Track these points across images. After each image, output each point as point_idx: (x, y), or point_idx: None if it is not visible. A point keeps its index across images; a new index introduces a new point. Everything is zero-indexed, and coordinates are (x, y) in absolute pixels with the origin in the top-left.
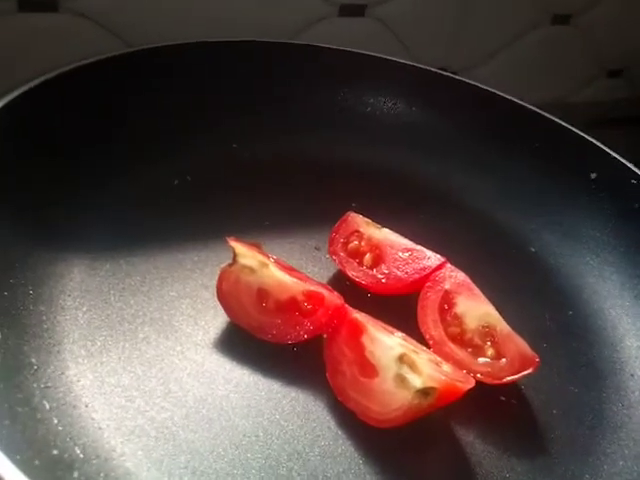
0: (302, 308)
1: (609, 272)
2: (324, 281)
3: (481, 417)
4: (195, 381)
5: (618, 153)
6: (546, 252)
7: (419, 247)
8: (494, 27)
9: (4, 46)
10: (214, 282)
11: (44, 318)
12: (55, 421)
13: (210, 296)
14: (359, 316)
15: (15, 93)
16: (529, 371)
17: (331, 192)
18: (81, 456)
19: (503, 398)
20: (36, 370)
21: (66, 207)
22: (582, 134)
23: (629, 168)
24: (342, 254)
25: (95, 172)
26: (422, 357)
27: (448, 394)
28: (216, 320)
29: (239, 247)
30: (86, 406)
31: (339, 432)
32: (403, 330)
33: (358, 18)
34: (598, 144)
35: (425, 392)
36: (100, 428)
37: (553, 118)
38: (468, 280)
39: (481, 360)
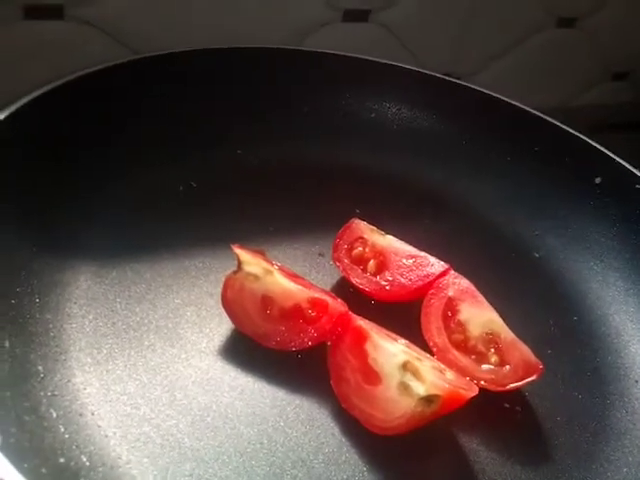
0: (306, 315)
1: (614, 278)
2: (328, 287)
3: (485, 424)
4: (200, 389)
5: (622, 157)
6: (550, 258)
7: (423, 254)
8: (498, 31)
9: (10, 53)
10: (219, 289)
11: (50, 326)
12: (62, 429)
13: (215, 303)
14: (363, 323)
15: (22, 101)
16: (533, 378)
17: (335, 198)
18: (87, 464)
19: (507, 405)
20: (43, 378)
21: (72, 215)
22: (586, 139)
23: (634, 173)
24: (346, 261)
25: (98, 178)
26: (426, 364)
27: (452, 401)
28: (221, 327)
29: (244, 254)
30: (92, 414)
31: (343, 439)
32: (407, 337)
33: (362, 23)
34: (602, 149)
35: (429, 399)
36: (106, 436)
37: (557, 123)
38: (472, 287)
39: (485, 367)
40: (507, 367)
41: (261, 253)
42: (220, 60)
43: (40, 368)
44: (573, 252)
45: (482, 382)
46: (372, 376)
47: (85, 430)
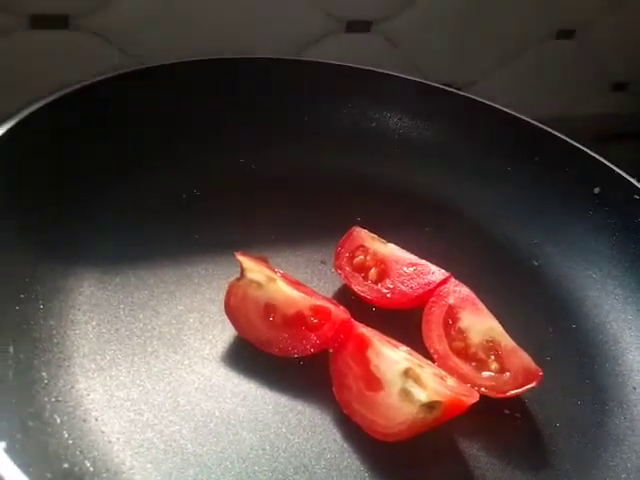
0: (309, 322)
1: (612, 286)
2: (330, 295)
3: (485, 430)
4: (203, 395)
5: (622, 168)
6: (549, 266)
7: (424, 262)
8: (499, 42)
9: (16, 63)
10: (222, 296)
11: (54, 332)
12: (65, 435)
13: (218, 310)
14: (365, 330)
15: (27, 110)
16: (532, 385)
17: (336, 206)
18: (91, 469)
19: (507, 411)
20: (46, 384)
21: (75, 222)
22: (586, 149)
23: (632, 183)
24: (347, 268)
25: (102, 186)
26: (427, 371)
27: (453, 408)
28: (224, 334)
29: (247, 262)
30: (96, 420)
31: (345, 446)
32: (408, 344)
33: (364, 34)
34: (602, 159)
35: (430, 406)
36: (110, 441)
37: (557, 133)
38: (472, 295)
39: (485, 374)
40: (507, 374)
41: (264, 260)
42: (223, 70)
43: (44, 374)
44: (572, 261)
45: (482, 389)
46: (374, 383)
47: (89, 436)
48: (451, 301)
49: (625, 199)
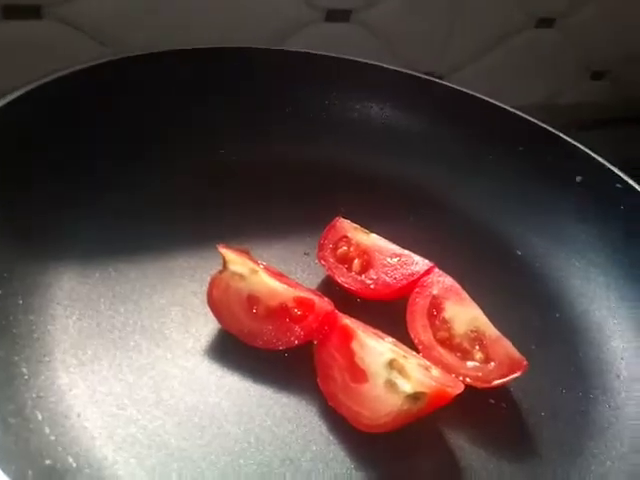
0: (292, 314)
1: (595, 274)
2: (314, 286)
3: (471, 420)
4: (186, 388)
5: (603, 155)
6: (532, 255)
7: (407, 252)
8: (479, 31)
9: None
10: (204, 289)
11: (34, 328)
12: (47, 431)
13: (200, 303)
14: (349, 322)
15: (2, 102)
16: (517, 374)
17: (319, 197)
18: (74, 465)
19: (492, 401)
20: (27, 380)
21: (53, 216)
22: (567, 138)
23: (614, 172)
24: (331, 260)
25: (82, 180)
26: (411, 362)
27: (438, 399)
28: (207, 327)
29: (229, 254)
30: (78, 415)
31: (330, 437)
32: (393, 335)
33: (343, 23)
34: (583, 148)
35: (415, 397)
36: (92, 437)
37: (538, 122)
38: (456, 285)
39: (470, 364)
40: (492, 364)
41: (246, 252)
42: (202, 60)
43: (24, 370)
44: (555, 249)
45: (467, 379)
46: (359, 374)
47: (71, 432)
48: (435, 291)
49: (607, 187)
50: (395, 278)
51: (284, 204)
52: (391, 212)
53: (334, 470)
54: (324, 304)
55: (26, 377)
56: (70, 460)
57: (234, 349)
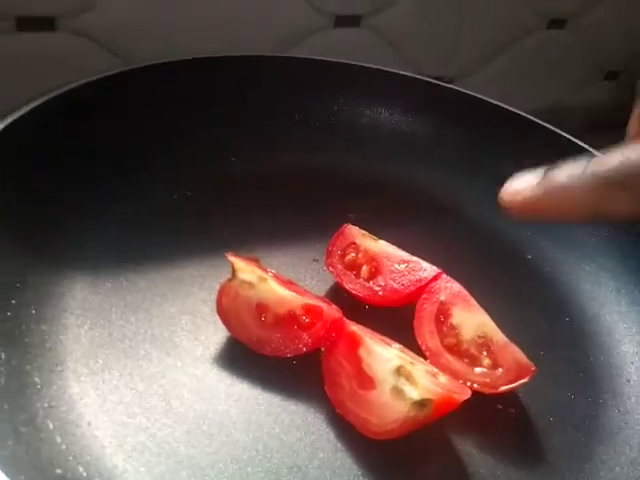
0: (301, 322)
1: (605, 278)
2: (322, 293)
3: (479, 426)
4: (196, 396)
5: None
6: (542, 259)
7: (415, 258)
8: (489, 34)
9: (3, 66)
10: (214, 297)
11: (47, 337)
12: (58, 440)
13: (210, 311)
14: (357, 329)
15: (15, 115)
16: (525, 380)
17: (328, 203)
18: (84, 474)
19: (500, 407)
20: (39, 389)
21: (66, 226)
22: (576, 141)
23: None
24: (339, 266)
25: (94, 189)
26: (419, 369)
27: (444, 405)
28: (216, 335)
29: (238, 262)
30: (89, 424)
31: (338, 445)
32: (401, 341)
33: (353, 29)
34: (592, 150)
35: (422, 404)
36: (103, 446)
37: (548, 125)
38: (464, 291)
39: (478, 370)
40: (500, 370)
41: (255, 260)
42: (212, 69)
43: (37, 379)
44: (565, 253)
45: (475, 385)
46: (366, 381)
47: (82, 441)
48: (442, 297)
49: None
50: (403, 284)
51: (293, 211)
52: (400, 218)
53: (342, 477)
54: (332, 311)
55: (38, 386)
56: (80, 469)
57: (243, 357)
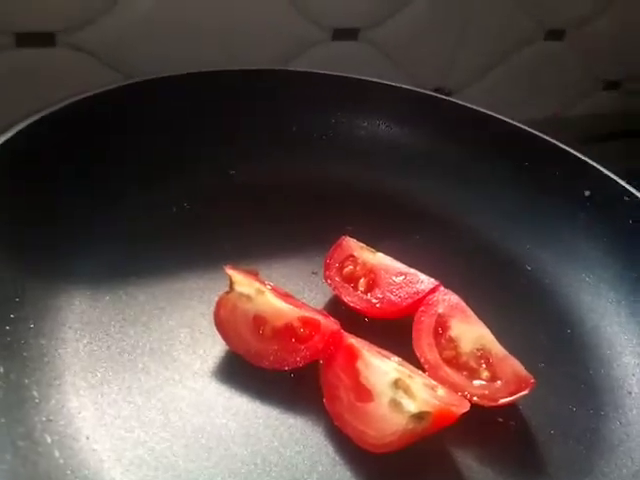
0: (298, 334)
1: (605, 289)
2: (321, 305)
3: (478, 439)
4: (194, 410)
5: (611, 168)
6: (542, 270)
7: (413, 271)
8: (487, 45)
9: (3, 81)
10: (212, 310)
11: (45, 351)
12: (56, 454)
13: (208, 324)
14: (354, 341)
15: (15, 129)
16: (524, 392)
17: (326, 216)
18: None
19: (500, 419)
20: (37, 403)
21: (65, 239)
22: (575, 152)
23: (622, 185)
24: (337, 279)
25: (92, 203)
26: (417, 381)
27: (442, 418)
28: (214, 349)
29: (236, 275)
30: (87, 438)
31: (337, 458)
32: (400, 354)
33: (351, 42)
34: (592, 162)
35: (419, 417)
36: (101, 460)
37: (546, 137)
38: (462, 303)
39: (477, 383)
40: (499, 382)
41: (254, 273)
42: (211, 82)
43: (35, 393)
44: (564, 265)
45: (474, 398)
46: (364, 394)
47: (80, 454)
48: (440, 310)
49: (616, 201)
50: (400, 297)
51: (292, 224)
52: (398, 230)
53: None
54: (329, 324)
55: (37, 400)
56: None
57: (241, 370)
